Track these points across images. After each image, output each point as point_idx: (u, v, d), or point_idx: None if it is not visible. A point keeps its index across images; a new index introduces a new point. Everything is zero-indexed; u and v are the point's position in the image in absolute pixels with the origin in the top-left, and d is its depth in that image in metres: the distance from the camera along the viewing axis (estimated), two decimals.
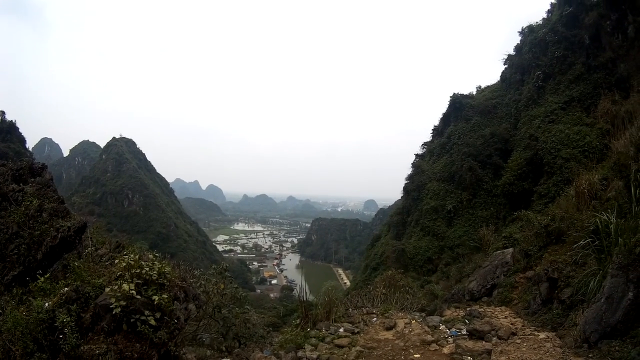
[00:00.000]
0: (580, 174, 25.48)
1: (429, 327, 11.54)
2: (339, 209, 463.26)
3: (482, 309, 13.83)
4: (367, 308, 14.55)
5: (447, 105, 58.87)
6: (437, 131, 60.85)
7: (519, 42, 54.17)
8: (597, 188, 22.69)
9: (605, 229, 16.05)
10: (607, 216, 16.02)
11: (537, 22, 52.56)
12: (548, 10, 53.80)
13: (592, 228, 16.95)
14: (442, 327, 11.69)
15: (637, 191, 17.33)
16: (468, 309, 13.82)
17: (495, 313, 13.45)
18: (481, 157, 46.43)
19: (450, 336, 10.86)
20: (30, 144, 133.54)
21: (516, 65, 51.90)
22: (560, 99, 40.86)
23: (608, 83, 36.45)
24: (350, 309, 14.49)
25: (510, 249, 20.86)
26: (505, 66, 56.27)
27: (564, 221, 21.18)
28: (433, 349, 9.85)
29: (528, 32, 52.12)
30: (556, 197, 28.68)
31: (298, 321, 13.27)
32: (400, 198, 61.27)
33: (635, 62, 33.35)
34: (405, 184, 56.92)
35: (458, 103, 56.44)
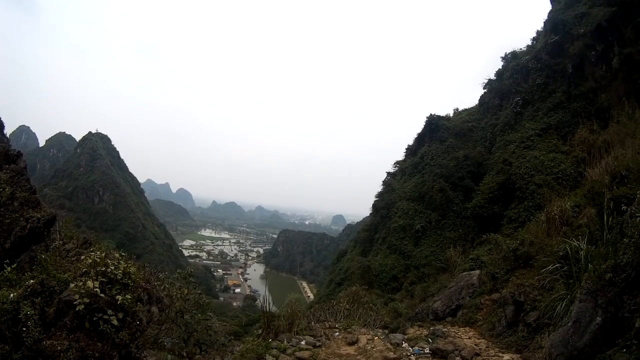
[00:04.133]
0: (553, 200, 25.15)
1: (391, 344, 11.51)
2: (307, 222, 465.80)
3: (446, 329, 13.89)
4: (330, 322, 14.69)
5: (423, 126, 59.23)
6: (410, 151, 61.05)
7: (500, 68, 54.61)
8: (569, 215, 22.34)
9: (575, 255, 16.24)
10: (577, 243, 16.04)
11: (520, 49, 52.88)
12: (533, 37, 54.39)
13: (561, 254, 17.08)
14: (404, 344, 11.69)
15: (610, 219, 16.87)
16: (432, 328, 14.02)
17: (459, 333, 13.51)
18: (453, 179, 46.43)
19: (413, 354, 10.89)
20: (8, 130, 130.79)
21: (496, 90, 52.10)
22: (537, 125, 40.92)
23: (587, 112, 36.71)
24: (313, 322, 14.58)
25: (477, 271, 20.86)
26: (485, 90, 56.49)
27: (533, 246, 20.97)
28: None
29: (511, 58, 52.50)
30: (526, 222, 29.07)
31: (260, 331, 13.37)
32: (369, 215, 61.15)
33: (617, 93, 33.32)
34: (375, 201, 57.04)
35: (434, 124, 56.73)
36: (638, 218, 12.95)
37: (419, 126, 60.17)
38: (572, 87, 40.22)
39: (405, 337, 12.58)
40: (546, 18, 50.77)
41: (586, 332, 8.84)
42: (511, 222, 33.54)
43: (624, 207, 16.29)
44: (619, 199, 17.54)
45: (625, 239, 13.60)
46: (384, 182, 58.84)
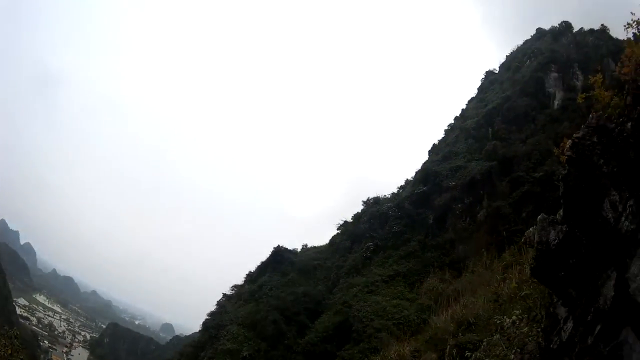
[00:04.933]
0: (391, 344, 25.02)
1: None
2: (137, 322, 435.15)
3: None
4: None
5: (269, 255, 58.69)
6: (250, 277, 60.59)
7: (359, 212, 56.49)
8: (407, 358, 22.07)
9: None
10: None
11: (385, 196, 55.83)
12: (401, 185, 57.95)
13: None
14: None
15: None
16: None
17: None
18: (288, 313, 45.89)
19: None
20: None
21: (350, 232, 53.94)
22: (385, 272, 42.32)
23: (441, 262, 38.84)
24: None
25: None
26: (339, 231, 57.73)
27: None
28: None
29: (372, 204, 55.13)
30: None
31: None
32: (198, 331, 58.13)
33: (477, 244, 35.95)
34: (207, 319, 54.34)
35: (279, 256, 56.90)
36: None
37: (264, 254, 59.98)
38: (429, 237, 42.97)
39: None
40: (419, 168, 55.29)
41: None
42: None
43: (467, 353, 16.44)
44: (463, 345, 17.75)
45: None
46: (218, 303, 57.42)
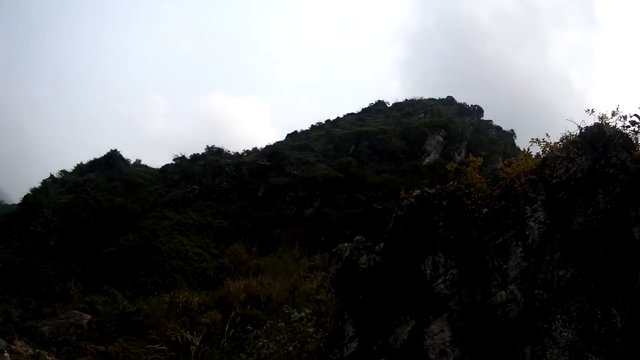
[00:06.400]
0: (183, 289, 25.55)
1: None
2: None
3: (50, 357, 13.51)
4: None
5: (103, 155, 55.45)
6: (79, 169, 55.96)
7: (199, 153, 56.50)
8: (193, 308, 22.95)
9: (186, 346, 16.24)
10: (191, 337, 16.54)
11: (228, 151, 55.99)
12: (246, 150, 58.91)
13: (173, 339, 17.12)
14: (7, 354, 11.15)
15: (232, 331, 17.77)
16: (37, 350, 13.51)
17: None
18: (101, 218, 43.76)
19: None
20: None
21: (183, 168, 54.00)
22: (199, 219, 43.13)
23: (253, 235, 40.19)
24: None
25: (89, 316, 20.68)
26: (173, 162, 57.03)
27: (149, 319, 20.70)
28: None
29: (215, 152, 55.26)
30: (150, 295, 28.65)
31: None
32: (18, 203, 53.70)
33: (293, 235, 38.00)
34: (28, 194, 49.59)
35: (112, 160, 53.81)
36: (261, 342, 13.88)
37: (101, 150, 56.64)
38: (252, 207, 43.72)
39: (10, 347, 11.88)
40: (271, 144, 55.96)
41: None
42: (136, 287, 32.36)
43: (249, 327, 17.51)
44: (249, 317, 18.83)
45: (243, 355, 14.36)
46: (43, 182, 52.02)
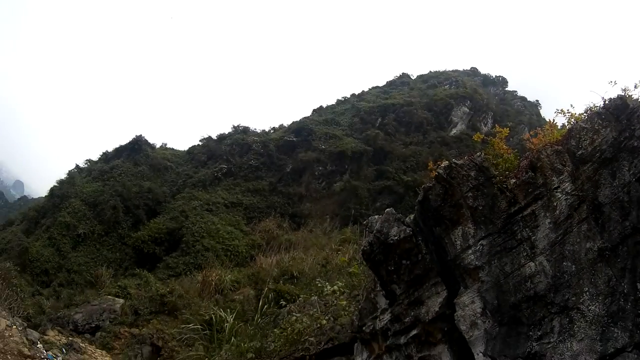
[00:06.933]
0: (215, 267, 25.97)
1: (27, 339, 10.46)
2: None
3: (84, 345, 13.21)
4: None
5: (128, 141, 56.56)
6: (105, 157, 57.98)
7: (225, 133, 56.49)
8: (226, 286, 23.32)
9: (220, 324, 16.41)
10: (225, 314, 16.69)
11: (255, 129, 56.63)
12: (273, 127, 59.14)
13: (207, 317, 17.36)
14: (39, 345, 10.82)
15: (266, 307, 17.99)
16: (70, 338, 13.48)
17: (96, 354, 12.84)
18: (129, 204, 44.77)
19: (46, 359, 10.07)
20: None
21: (210, 148, 53.54)
22: (229, 197, 42.90)
23: (284, 210, 40.24)
24: None
25: (122, 300, 20.94)
26: (200, 143, 57.15)
27: (182, 299, 21.19)
28: None
29: (241, 131, 55.87)
30: (182, 275, 28.86)
31: None
32: (45, 196, 55.02)
33: (324, 209, 37.94)
34: (54, 186, 51.43)
35: (138, 145, 55.04)
36: (294, 317, 14.07)
37: (127, 137, 57.87)
38: (281, 183, 44.16)
39: (43, 337, 11.83)
40: (297, 120, 56.02)
41: None
42: (168, 268, 33.40)
43: (283, 302, 17.75)
44: (282, 292, 19.10)
45: (277, 330, 14.58)
46: (69, 172, 54.21)
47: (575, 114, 7.71)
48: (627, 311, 5.84)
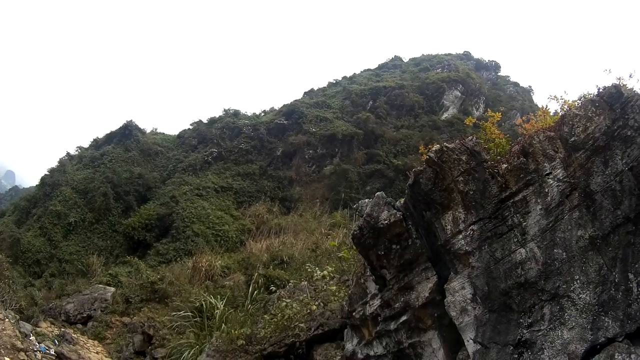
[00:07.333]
0: (205, 252, 25.89)
1: (20, 332, 10.61)
2: None
3: (75, 335, 13.36)
4: None
5: (119, 127, 55.93)
6: (96, 143, 57.21)
7: (215, 117, 55.94)
8: (216, 272, 23.26)
9: (210, 311, 16.37)
10: (215, 301, 16.69)
11: (245, 112, 56.01)
12: (264, 110, 58.74)
13: (197, 304, 17.31)
14: (32, 338, 10.97)
15: (256, 292, 17.95)
16: (62, 329, 13.52)
17: (88, 345, 12.97)
18: (120, 190, 44.37)
19: (39, 351, 10.16)
20: None
21: (200, 132, 53.14)
22: (219, 181, 42.85)
23: (274, 195, 40.26)
24: None
25: (113, 289, 20.95)
26: (190, 127, 56.63)
27: (172, 286, 21.18)
28: (22, 358, 9.21)
29: (232, 114, 55.10)
30: (173, 261, 28.83)
31: None
32: (36, 185, 54.40)
33: (314, 193, 37.99)
34: (45, 175, 50.88)
35: (128, 131, 54.36)
36: (284, 303, 14.05)
37: (117, 123, 56.97)
38: (271, 167, 44.00)
39: (35, 330, 11.92)
40: (288, 103, 55.54)
41: None
42: (159, 255, 33.16)
43: (272, 288, 17.73)
44: (272, 278, 19.11)
45: (267, 316, 14.56)
46: (60, 160, 53.37)
47: (569, 100, 7.68)
48: (618, 301, 5.83)
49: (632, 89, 6.64)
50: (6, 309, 11.96)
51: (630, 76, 6.88)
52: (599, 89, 6.73)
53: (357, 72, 68.63)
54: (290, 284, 16.91)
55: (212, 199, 40.36)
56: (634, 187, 5.99)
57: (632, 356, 5.58)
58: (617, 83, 6.68)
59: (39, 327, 12.68)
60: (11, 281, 17.87)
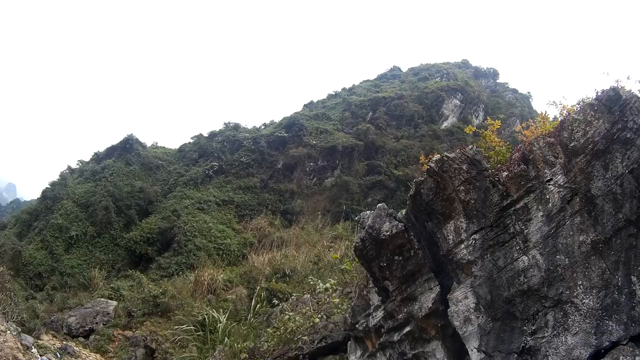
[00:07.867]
0: (207, 266, 25.83)
1: (22, 344, 10.48)
2: None
3: (78, 348, 13.26)
4: None
5: (120, 141, 56.04)
6: (97, 157, 57.22)
7: (216, 130, 56.03)
8: (219, 285, 23.16)
9: (213, 325, 16.31)
10: (218, 315, 16.61)
11: (245, 126, 56.34)
12: (264, 123, 58.67)
13: (200, 318, 17.22)
14: (34, 350, 10.88)
15: (258, 305, 17.87)
16: (64, 342, 13.47)
17: (90, 358, 13.02)
18: (121, 204, 44.32)
19: None
20: None
21: (201, 146, 53.18)
22: (220, 195, 42.81)
23: (275, 208, 40.30)
24: None
25: (115, 302, 20.81)
26: (191, 141, 56.79)
27: (175, 300, 21.02)
28: None
29: (232, 128, 55.10)
30: (175, 275, 28.67)
31: None
32: (37, 198, 54.26)
33: (315, 205, 38.06)
34: (46, 188, 50.76)
35: (129, 145, 54.46)
36: (287, 316, 13.98)
37: (118, 137, 57.49)
38: (272, 179, 43.99)
39: (37, 342, 11.76)
40: (288, 115, 55.67)
41: None
42: (160, 269, 33.03)
43: (275, 301, 17.67)
44: (274, 291, 19.02)
45: (270, 329, 14.48)
46: (61, 174, 53.46)
47: (568, 105, 7.67)
48: (622, 304, 5.80)
49: (630, 91, 6.63)
50: (8, 321, 11.90)
51: (628, 78, 6.88)
52: (597, 93, 6.73)
53: (357, 83, 68.84)
54: (292, 297, 16.84)
55: (213, 212, 40.35)
56: (635, 190, 5.99)
57: (637, 359, 5.54)
58: (615, 85, 6.68)
59: (40, 339, 12.64)
60: (13, 293, 17.92)
